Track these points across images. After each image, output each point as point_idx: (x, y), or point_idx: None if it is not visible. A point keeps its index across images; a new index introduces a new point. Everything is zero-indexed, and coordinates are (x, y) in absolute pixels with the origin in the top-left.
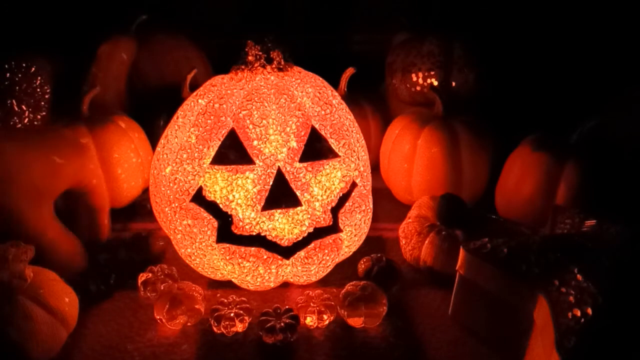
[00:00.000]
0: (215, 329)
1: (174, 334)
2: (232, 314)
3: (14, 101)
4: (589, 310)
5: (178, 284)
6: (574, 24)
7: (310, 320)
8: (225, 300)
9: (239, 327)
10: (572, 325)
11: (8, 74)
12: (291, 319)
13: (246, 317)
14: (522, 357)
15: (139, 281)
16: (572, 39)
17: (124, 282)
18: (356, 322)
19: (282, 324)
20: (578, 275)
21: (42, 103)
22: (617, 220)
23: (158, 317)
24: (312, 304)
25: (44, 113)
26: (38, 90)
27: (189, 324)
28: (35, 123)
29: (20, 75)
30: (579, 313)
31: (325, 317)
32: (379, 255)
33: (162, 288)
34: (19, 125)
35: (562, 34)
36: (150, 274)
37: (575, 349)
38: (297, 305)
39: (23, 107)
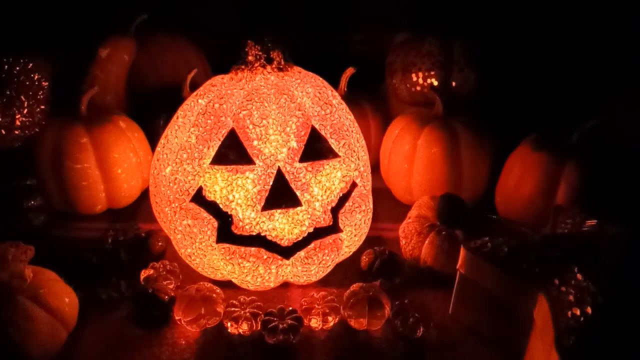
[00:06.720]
0: (234, 330)
1: (174, 334)
2: (248, 314)
3: (12, 91)
4: (589, 310)
5: (198, 286)
6: (573, 23)
7: (315, 322)
8: (236, 302)
9: (256, 326)
10: (571, 324)
11: (6, 67)
12: (295, 320)
13: (261, 316)
14: (522, 356)
15: (141, 277)
16: (572, 38)
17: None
18: (359, 324)
19: (285, 325)
20: (578, 275)
21: (41, 96)
22: (617, 220)
23: (177, 319)
24: (316, 306)
25: (43, 107)
26: (36, 83)
27: (208, 325)
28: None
29: (18, 69)
30: (578, 312)
31: (330, 318)
32: (381, 248)
33: (179, 290)
34: (18, 116)
35: (562, 34)
36: (152, 270)
37: (575, 347)
38: (302, 307)
39: (22, 97)
